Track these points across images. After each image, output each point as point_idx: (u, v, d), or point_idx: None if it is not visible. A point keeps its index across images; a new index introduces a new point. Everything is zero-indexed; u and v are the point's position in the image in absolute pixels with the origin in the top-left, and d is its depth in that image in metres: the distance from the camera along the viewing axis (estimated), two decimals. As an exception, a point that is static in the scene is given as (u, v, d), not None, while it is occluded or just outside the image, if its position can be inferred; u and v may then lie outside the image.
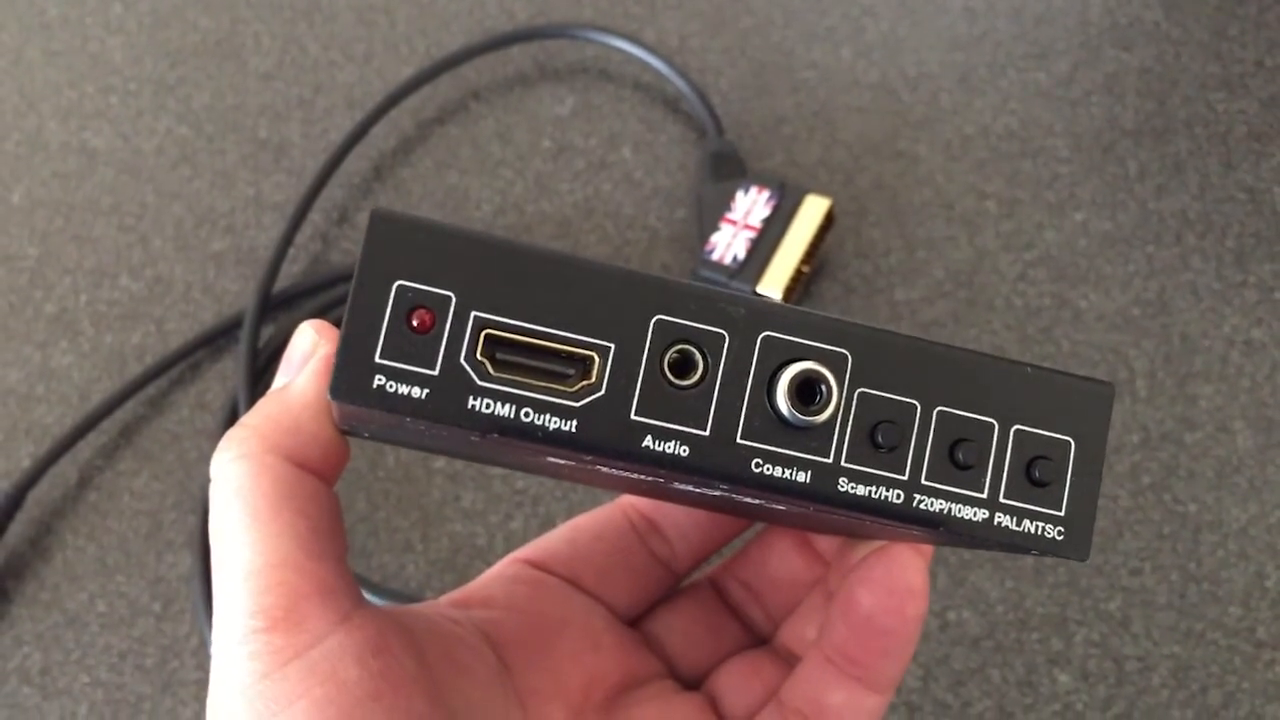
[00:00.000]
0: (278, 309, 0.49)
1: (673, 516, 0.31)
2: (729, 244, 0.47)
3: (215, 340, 0.48)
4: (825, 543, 0.30)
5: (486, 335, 0.19)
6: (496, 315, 0.19)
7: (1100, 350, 0.46)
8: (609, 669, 0.29)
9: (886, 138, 0.51)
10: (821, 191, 0.48)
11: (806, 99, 0.52)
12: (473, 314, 0.19)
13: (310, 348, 0.23)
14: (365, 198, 0.51)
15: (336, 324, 0.21)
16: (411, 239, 0.19)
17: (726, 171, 0.49)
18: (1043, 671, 0.42)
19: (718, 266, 0.46)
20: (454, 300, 0.19)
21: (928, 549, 0.26)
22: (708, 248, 0.47)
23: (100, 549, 0.45)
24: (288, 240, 0.49)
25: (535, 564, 0.30)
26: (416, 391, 0.19)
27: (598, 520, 0.31)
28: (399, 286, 0.19)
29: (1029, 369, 0.20)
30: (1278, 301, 0.47)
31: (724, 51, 0.53)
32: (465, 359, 0.19)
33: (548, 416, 0.19)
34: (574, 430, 0.19)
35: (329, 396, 0.19)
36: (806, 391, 0.20)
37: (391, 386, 0.19)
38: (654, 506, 0.31)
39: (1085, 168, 0.50)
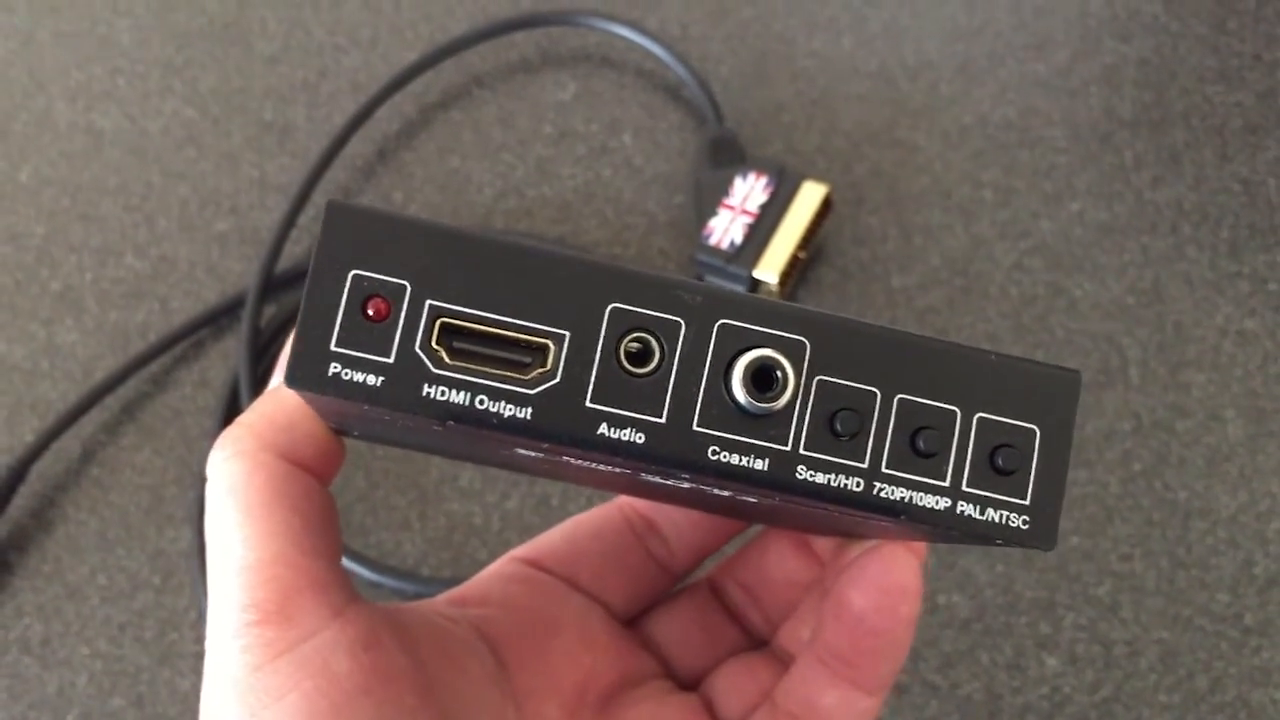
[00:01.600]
0: (280, 289, 0.49)
1: (670, 517, 0.30)
2: (726, 229, 0.47)
3: (218, 319, 0.49)
4: (823, 544, 0.29)
5: (442, 324, 0.19)
6: (451, 304, 0.19)
7: (1094, 338, 0.47)
8: (605, 668, 0.29)
9: (885, 126, 0.51)
10: (820, 178, 0.48)
11: (806, 87, 0.52)
12: (428, 303, 0.19)
13: None
14: (368, 180, 0.52)
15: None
16: (367, 229, 0.19)
17: (726, 158, 0.49)
18: (1031, 655, 0.42)
19: (715, 251, 0.47)
20: (409, 289, 0.19)
21: (920, 548, 0.26)
22: (705, 232, 0.47)
23: (102, 523, 0.45)
24: (290, 221, 0.49)
25: (532, 563, 0.30)
26: (372, 379, 0.19)
27: (595, 519, 0.31)
28: (354, 276, 0.19)
29: (993, 356, 0.20)
30: (1271, 292, 0.47)
31: (725, 40, 0.54)
32: (420, 347, 0.19)
33: (503, 404, 0.19)
34: (528, 417, 0.19)
35: (285, 383, 0.19)
36: (763, 379, 0.20)
37: (347, 374, 0.19)
38: (652, 506, 0.31)
39: (1082, 158, 0.50)
